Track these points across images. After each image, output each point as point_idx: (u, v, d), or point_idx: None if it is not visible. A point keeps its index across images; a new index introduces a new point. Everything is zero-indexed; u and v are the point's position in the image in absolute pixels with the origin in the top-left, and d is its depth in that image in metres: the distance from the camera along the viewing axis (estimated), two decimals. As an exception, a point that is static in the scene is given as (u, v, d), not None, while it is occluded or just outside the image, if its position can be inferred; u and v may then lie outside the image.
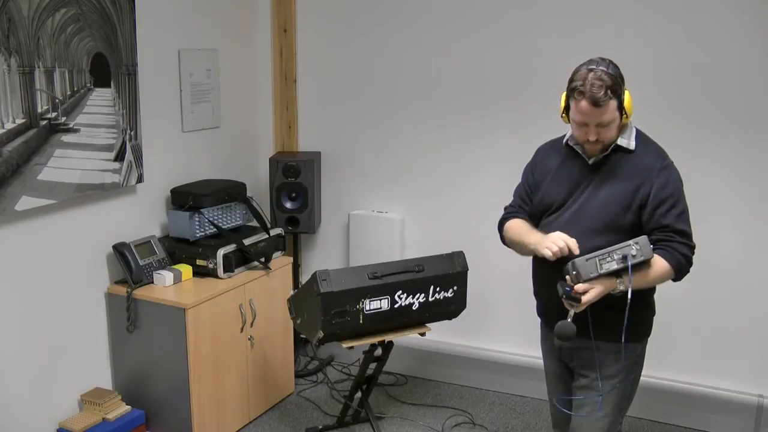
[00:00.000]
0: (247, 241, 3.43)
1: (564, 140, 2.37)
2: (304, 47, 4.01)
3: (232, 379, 3.32)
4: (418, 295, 3.11)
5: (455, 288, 3.20)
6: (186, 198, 3.34)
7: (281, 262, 3.62)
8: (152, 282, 3.20)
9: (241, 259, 3.40)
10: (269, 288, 3.51)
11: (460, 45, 3.65)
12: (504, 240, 2.55)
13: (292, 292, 3.30)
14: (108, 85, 3.07)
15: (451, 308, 3.23)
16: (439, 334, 3.60)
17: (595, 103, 2.10)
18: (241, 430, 3.43)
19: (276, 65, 4.06)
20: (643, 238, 2.13)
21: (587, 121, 2.15)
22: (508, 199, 3.64)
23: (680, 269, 2.20)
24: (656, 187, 2.18)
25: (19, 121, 2.69)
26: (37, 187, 2.78)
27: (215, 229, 3.42)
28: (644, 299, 2.28)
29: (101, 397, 3.07)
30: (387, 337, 3.19)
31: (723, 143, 3.26)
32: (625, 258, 2.10)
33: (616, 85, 2.12)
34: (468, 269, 3.24)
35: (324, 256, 4.14)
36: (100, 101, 3.04)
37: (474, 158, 3.70)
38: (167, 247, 3.37)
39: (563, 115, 2.26)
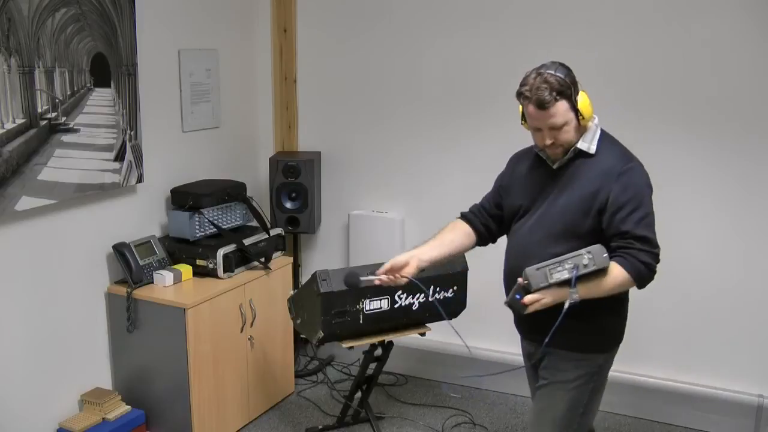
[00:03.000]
0: (247, 241, 3.43)
1: (534, 148, 2.33)
2: (304, 47, 4.02)
3: (232, 379, 3.32)
4: (418, 295, 3.12)
5: (455, 288, 3.20)
6: (186, 198, 3.34)
7: (281, 262, 3.62)
8: (152, 282, 3.20)
9: (241, 259, 3.40)
10: (269, 288, 3.51)
11: (461, 45, 3.65)
12: None
13: (292, 292, 3.30)
14: (108, 85, 3.07)
15: (451, 308, 3.23)
16: (439, 334, 3.60)
17: (540, 105, 2.07)
18: (241, 430, 3.43)
19: (276, 65, 4.06)
20: (597, 247, 2.05)
21: (538, 124, 2.13)
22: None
23: (640, 278, 2.10)
24: (615, 192, 2.10)
25: (19, 121, 2.69)
26: (37, 187, 2.78)
27: (215, 229, 3.42)
28: (609, 307, 2.21)
29: (101, 397, 3.06)
30: (387, 337, 3.20)
31: (722, 141, 3.26)
32: (576, 267, 2.03)
33: (563, 87, 2.07)
34: (468, 269, 3.24)
35: (324, 256, 4.14)
36: (100, 101, 3.04)
37: (474, 158, 3.70)
38: (167, 247, 3.37)
39: (523, 122, 2.23)
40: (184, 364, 3.04)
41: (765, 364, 3.35)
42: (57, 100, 2.85)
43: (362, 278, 2.32)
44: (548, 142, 2.14)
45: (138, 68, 3.20)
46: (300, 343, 3.99)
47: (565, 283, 2.05)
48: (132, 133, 3.20)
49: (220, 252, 3.28)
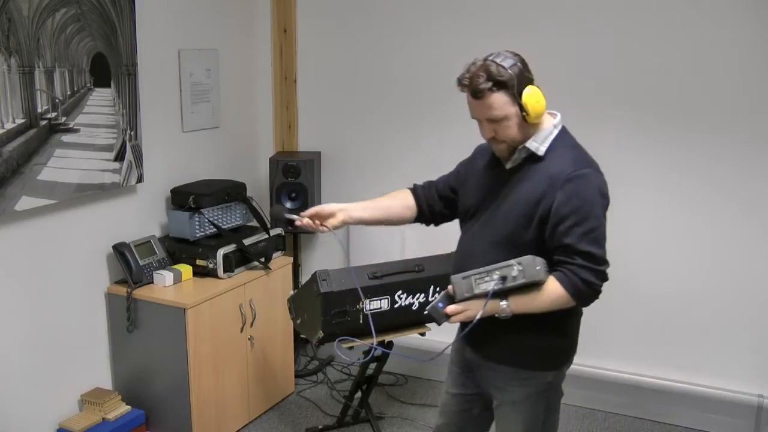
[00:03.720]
0: (247, 241, 3.43)
1: None
2: (304, 47, 4.02)
3: (232, 379, 3.32)
4: (418, 295, 3.11)
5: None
6: (186, 198, 3.34)
7: (281, 262, 3.62)
8: (152, 282, 3.20)
9: (241, 259, 3.40)
10: (269, 288, 3.51)
11: (461, 45, 3.65)
12: None
13: (292, 292, 3.30)
14: (108, 85, 3.07)
15: (451, 308, 3.22)
16: (439, 334, 3.60)
17: (474, 93, 1.92)
18: (241, 430, 3.43)
19: (276, 65, 4.06)
20: (528, 258, 1.89)
21: (475, 115, 1.99)
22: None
23: (579, 295, 1.93)
24: (559, 200, 1.90)
25: (19, 121, 2.69)
26: (37, 187, 2.78)
27: (215, 229, 3.42)
28: (550, 324, 2.03)
29: (101, 397, 3.07)
30: (387, 337, 3.19)
31: (721, 141, 3.27)
32: (504, 279, 1.88)
33: (503, 78, 1.89)
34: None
35: (324, 256, 4.14)
36: (100, 101, 3.04)
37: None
38: (167, 247, 3.37)
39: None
40: (184, 364, 3.04)
41: (765, 364, 3.34)
42: (57, 100, 2.85)
43: (286, 215, 2.21)
44: (488, 135, 2.00)
45: (138, 68, 3.20)
46: (300, 343, 3.99)
47: (496, 294, 1.90)
48: (132, 133, 3.20)
49: (220, 252, 3.28)
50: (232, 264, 3.32)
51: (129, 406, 3.13)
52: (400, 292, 3.07)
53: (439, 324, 1.98)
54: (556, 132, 2.02)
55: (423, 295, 3.12)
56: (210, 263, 3.28)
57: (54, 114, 2.84)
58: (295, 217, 2.16)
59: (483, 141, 2.11)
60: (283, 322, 3.59)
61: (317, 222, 2.15)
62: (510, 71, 1.91)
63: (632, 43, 3.33)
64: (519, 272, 1.88)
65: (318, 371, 4.00)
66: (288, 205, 3.80)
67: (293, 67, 4.04)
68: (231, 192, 3.50)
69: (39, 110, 2.77)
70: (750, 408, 3.35)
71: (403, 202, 2.29)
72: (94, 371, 3.17)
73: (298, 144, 4.12)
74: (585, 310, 3.64)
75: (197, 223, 3.35)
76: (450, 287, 1.96)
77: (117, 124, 3.12)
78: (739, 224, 3.29)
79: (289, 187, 3.79)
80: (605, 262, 1.95)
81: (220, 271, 3.28)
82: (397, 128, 3.87)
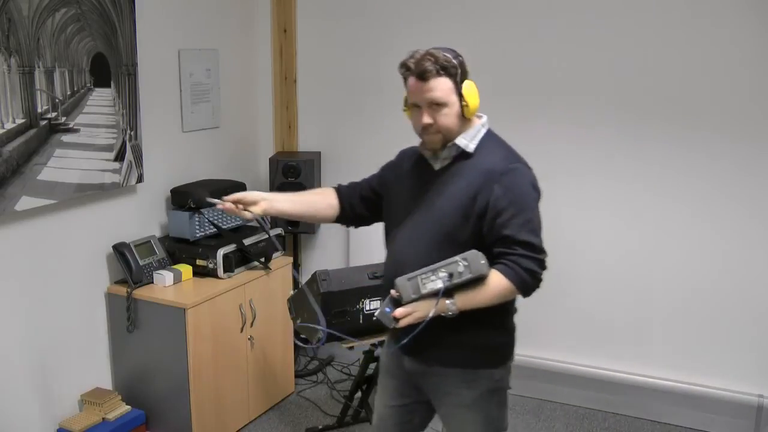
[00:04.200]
0: (247, 241, 3.43)
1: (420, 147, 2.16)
2: (304, 47, 4.02)
3: (232, 379, 3.32)
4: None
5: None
6: (186, 198, 3.33)
7: (281, 262, 3.62)
8: (152, 282, 3.20)
9: (241, 259, 3.40)
10: (269, 288, 3.51)
11: (461, 45, 3.64)
12: None
13: (292, 292, 3.30)
14: (108, 85, 3.07)
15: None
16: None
17: (422, 75, 1.93)
18: (241, 430, 3.43)
19: (276, 65, 4.06)
20: (472, 253, 1.89)
21: (418, 98, 1.98)
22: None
23: (524, 286, 1.95)
24: (496, 194, 1.94)
25: (19, 121, 2.69)
26: (37, 187, 2.78)
27: (215, 229, 3.42)
28: (492, 320, 2.04)
29: (101, 397, 3.07)
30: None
31: (722, 140, 3.27)
32: (451, 276, 1.86)
33: (448, 65, 1.94)
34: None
35: (324, 256, 4.14)
36: (100, 101, 3.04)
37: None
38: (167, 247, 3.37)
39: (405, 108, 2.10)
40: (184, 364, 3.04)
41: (765, 364, 3.34)
42: (57, 100, 2.85)
43: (208, 198, 2.17)
44: (427, 120, 1.97)
45: (138, 68, 3.20)
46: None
47: (442, 294, 1.89)
48: (132, 133, 3.20)
49: (220, 252, 3.28)
50: (232, 264, 3.32)
51: (129, 406, 3.13)
52: (400, 292, 3.06)
53: (390, 328, 1.93)
54: (483, 131, 2.08)
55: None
56: (210, 263, 3.28)
57: (54, 114, 2.84)
58: (216, 201, 2.12)
59: (407, 146, 2.23)
60: (283, 322, 3.59)
61: (240, 206, 2.11)
62: (455, 61, 1.97)
63: (632, 44, 3.33)
64: (465, 268, 1.87)
65: (318, 371, 4.00)
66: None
67: (293, 67, 4.04)
68: (231, 192, 3.45)
69: (39, 110, 2.77)
70: (750, 408, 3.35)
71: (328, 200, 2.26)
72: (94, 371, 3.17)
73: (298, 144, 4.12)
74: (589, 312, 3.67)
75: (197, 223, 3.35)
76: (393, 291, 1.92)
77: (117, 124, 3.12)
78: (740, 224, 3.29)
79: (289, 187, 3.78)
80: (543, 251, 1.98)
81: (220, 271, 3.28)
82: (397, 128, 3.85)
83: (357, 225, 2.33)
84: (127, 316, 3.12)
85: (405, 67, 1.99)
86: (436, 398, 2.15)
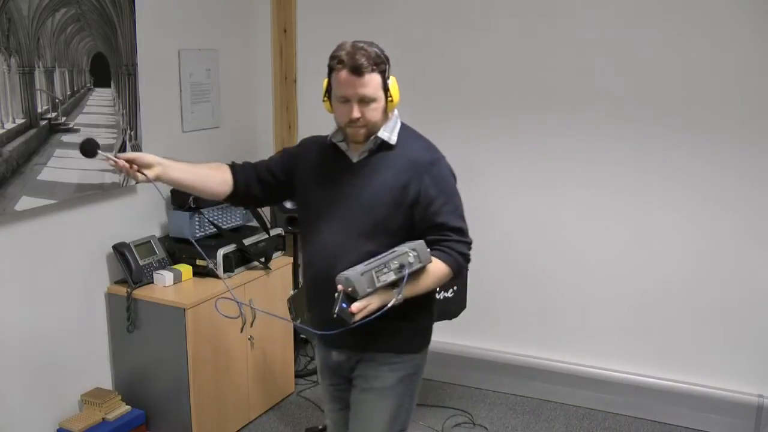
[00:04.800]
0: (247, 241, 3.43)
1: (328, 139, 2.16)
2: (304, 47, 4.02)
3: (232, 379, 3.32)
4: (418, 295, 3.11)
5: (455, 288, 3.20)
6: (186, 198, 3.33)
7: (281, 262, 3.62)
8: (152, 282, 3.20)
9: (241, 259, 3.40)
10: (269, 288, 3.51)
11: (461, 45, 3.65)
12: None
13: (292, 292, 3.30)
14: (108, 85, 3.07)
15: (451, 308, 3.22)
16: (439, 334, 3.59)
17: (356, 69, 1.94)
18: (241, 430, 3.43)
19: (276, 65, 4.06)
20: (420, 243, 1.95)
21: (348, 93, 1.97)
22: (507, 198, 3.67)
23: (459, 269, 2.07)
24: (426, 183, 2.03)
25: (19, 121, 2.69)
26: (37, 187, 2.78)
27: (215, 229, 3.42)
28: (425, 305, 2.14)
29: (101, 397, 3.07)
30: (387, 337, 3.19)
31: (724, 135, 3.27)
32: (402, 267, 1.91)
33: (380, 61, 1.98)
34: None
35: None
36: (100, 101, 3.04)
37: (474, 159, 3.70)
38: (167, 247, 3.37)
39: (325, 99, 2.09)
40: (184, 364, 3.04)
41: (765, 364, 3.35)
42: (57, 100, 2.85)
43: (100, 150, 2.04)
44: (356, 114, 1.98)
45: (138, 68, 3.20)
46: (300, 343, 3.99)
47: (390, 285, 1.93)
48: (132, 133, 3.20)
49: (220, 252, 3.28)
50: (232, 264, 3.32)
51: (129, 406, 3.13)
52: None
53: (350, 324, 1.91)
54: (399, 123, 2.14)
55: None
56: (210, 263, 3.28)
57: (54, 114, 2.84)
58: (108, 155, 2.01)
59: (310, 135, 2.26)
60: (283, 322, 3.59)
61: (134, 167, 2.01)
62: (383, 56, 2.01)
63: (632, 47, 3.33)
64: (414, 258, 1.92)
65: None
66: (288, 205, 3.79)
67: (293, 67, 4.04)
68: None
69: (39, 110, 2.77)
70: (750, 408, 3.35)
71: (222, 176, 2.20)
72: (94, 371, 3.17)
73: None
74: (589, 312, 3.66)
75: (197, 223, 3.35)
76: (340, 287, 1.90)
77: (117, 124, 3.12)
78: (740, 224, 3.29)
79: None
80: (469, 236, 2.11)
81: (220, 271, 3.28)
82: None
83: (246, 206, 2.32)
84: (127, 316, 3.12)
85: (337, 60, 1.98)
86: (359, 385, 2.17)
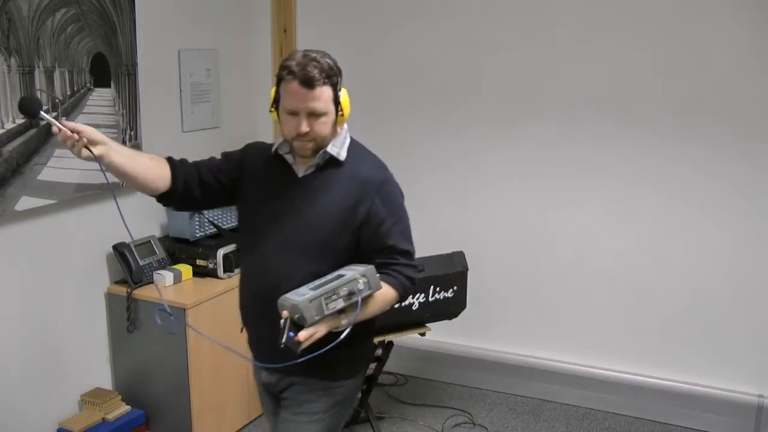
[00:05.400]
0: (247, 241, 3.43)
1: (273, 149, 2.03)
2: (304, 47, 3.99)
3: (232, 379, 3.32)
4: (418, 295, 3.12)
5: (455, 288, 3.20)
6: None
7: (281, 262, 3.61)
8: (152, 282, 3.20)
9: (241, 259, 3.40)
10: (269, 288, 3.51)
11: (461, 44, 3.65)
12: None
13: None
14: (108, 85, 3.07)
15: (451, 308, 3.23)
16: (439, 334, 3.60)
17: (308, 82, 1.83)
18: (241, 430, 3.43)
19: (276, 65, 4.06)
20: (371, 269, 1.86)
21: (298, 107, 1.86)
22: (507, 199, 3.67)
23: (405, 294, 2.01)
24: (377, 204, 1.93)
25: (19, 121, 2.69)
26: (37, 187, 2.78)
27: (215, 229, 3.42)
28: (364, 329, 1.98)
29: (101, 397, 3.07)
30: (387, 337, 3.19)
31: (724, 142, 3.27)
32: (351, 294, 1.81)
33: (332, 73, 1.88)
34: (468, 269, 3.25)
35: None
36: (100, 101, 3.04)
37: (474, 159, 3.70)
38: (167, 247, 3.37)
39: (272, 109, 1.96)
40: (184, 364, 3.04)
41: (765, 364, 3.35)
42: (57, 100, 2.85)
43: (42, 112, 1.86)
44: (304, 129, 1.86)
45: (138, 68, 3.20)
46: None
47: (337, 311, 1.83)
48: (132, 133, 3.20)
49: (220, 252, 3.28)
50: (232, 264, 3.32)
51: (129, 406, 3.13)
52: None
53: (296, 353, 1.80)
54: (348, 138, 2.05)
55: (423, 295, 3.12)
56: (210, 263, 3.28)
57: (54, 114, 2.84)
58: (53, 120, 1.81)
59: (253, 141, 2.14)
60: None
61: (82, 140, 1.84)
62: (335, 68, 1.92)
63: (632, 45, 3.33)
64: (365, 284, 1.84)
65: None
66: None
67: (293, 67, 4.04)
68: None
69: (39, 110, 2.77)
70: (750, 408, 3.35)
71: (161, 170, 1.99)
72: (94, 371, 3.17)
73: (298, 144, 4.12)
74: (589, 312, 3.66)
75: (197, 223, 3.35)
76: (285, 313, 1.80)
77: (117, 124, 3.12)
78: (740, 224, 3.29)
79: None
80: (414, 258, 2.05)
81: (220, 271, 3.28)
82: (397, 128, 3.86)
83: (179, 207, 2.11)
84: (127, 316, 3.12)
85: (287, 71, 1.85)
86: (289, 407, 2.06)
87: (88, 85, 2.99)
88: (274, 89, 1.95)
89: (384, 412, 3.60)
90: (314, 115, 1.88)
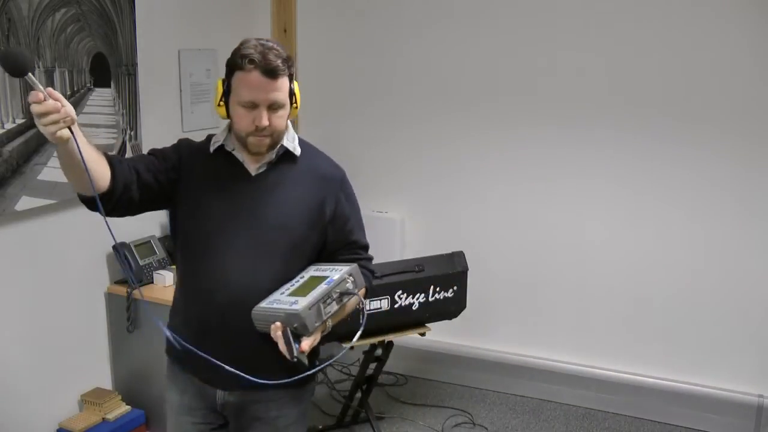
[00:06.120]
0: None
1: (212, 147, 1.86)
2: (304, 47, 4.01)
3: (232, 379, 3.32)
4: (418, 295, 3.12)
5: (455, 288, 3.20)
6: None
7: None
8: (152, 282, 3.20)
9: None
10: (269, 288, 3.51)
11: (461, 45, 3.65)
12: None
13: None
14: (108, 85, 3.07)
15: (451, 308, 3.23)
16: (439, 334, 3.60)
17: (272, 72, 1.70)
18: (241, 430, 3.42)
19: (276, 65, 4.05)
20: (355, 268, 1.81)
21: (258, 99, 1.72)
22: (507, 199, 3.67)
23: (371, 287, 1.97)
24: (343, 201, 1.90)
25: (19, 121, 2.69)
26: (37, 187, 2.78)
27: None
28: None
29: (101, 397, 3.06)
30: (387, 337, 3.19)
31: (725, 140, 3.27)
32: (343, 296, 1.75)
33: (290, 63, 1.76)
34: (468, 269, 3.25)
35: (324, 256, 4.14)
36: (100, 101, 3.04)
37: (474, 159, 3.70)
38: (167, 247, 3.36)
39: (220, 104, 1.80)
40: (184, 364, 3.03)
41: (765, 364, 3.35)
42: (57, 100, 2.84)
43: (30, 75, 1.53)
44: (266, 122, 1.73)
45: (138, 68, 3.20)
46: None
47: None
48: (132, 133, 3.20)
49: (220, 252, 3.27)
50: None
51: (129, 406, 3.13)
52: (400, 292, 3.07)
53: (307, 365, 1.75)
54: (292, 131, 1.91)
55: (423, 295, 3.12)
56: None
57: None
58: (39, 86, 1.51)
59: (184, 136, 2.00)
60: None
61: (71, 119, 1.53)
62: (291, 58, 1.78)
63: (631, 47, 3.33)
64: (352, 284, 1.78)
65: (318, 371, 3.99)
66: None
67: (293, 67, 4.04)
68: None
69: (39, 110, 2.77)
70: (750, 408, 3.35)
71: (105, 170, 1.71)
72: (94, 371, 3.17)
73: (298, 144, 4.12)
74: (589, 312, 3.66)
75: (197, 223, 3.35)
76: (278, 324, 1.69)
77: (117, 124, 3.12)
78: (740, 224, 3.30)
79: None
80: None
81: (220, 271, 3.28)
82: (397, 128, 3.86)
83: (112, 211, 1.78)
84: (127, 316, 3.11)
85: (248, 59, 1.70)
86: (256, 426, 1.93)
87: (88, 85, 2.99)
88: (220, 81, 1.80)
89: (384, 412, 3.60)
90: (273, 107, 1.75)
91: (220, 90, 1.79)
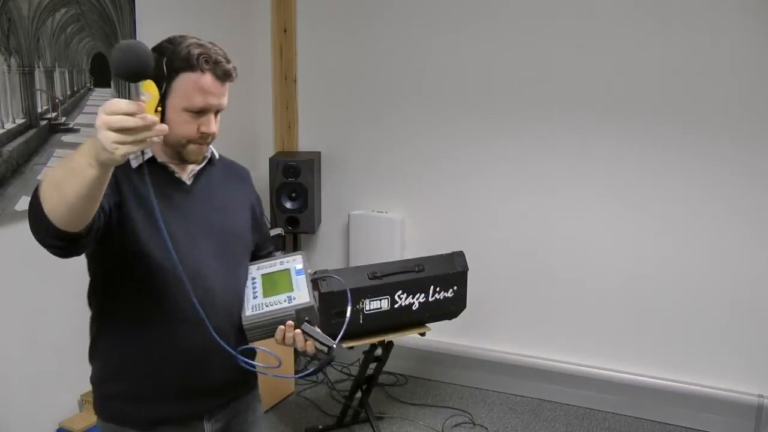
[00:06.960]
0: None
1: (134, 162, 1.59)
2: (304, 47, 4.02)
3: (232, 379, 3.32)
4: (418, 295, 3.12)
5: (455, 288, 3.20)
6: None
7: (281, 262, 3.61)
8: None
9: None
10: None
11: (461, 45, 3.65)
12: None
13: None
14: (108, 85, 3.07)
15: (451, 308, 3.22)
16: (439, 334, 3.60)
17: (226, 75, 1.59)
18: (241, 430, 3.42)
19: (276, 65, 4.06)
20: (304, 254, 1.81)
21: (211, 104, 1.57)
22: (507, 199, 3.67)
23: None
24: (257, 197, 1.88)
25: (19, 121, 2.69)
26: (37, 187, 2.78)
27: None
28: None
29: (101, 397, 3.06)
30: (387, 337, 3.19)
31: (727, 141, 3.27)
32: (315, 281, 1.80)
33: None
34: (468, 269, 3.25)
35: (324, 256, 4.14)
36: (100, 101, 3.03)
37: (474, 158, 3.70)
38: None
39: (158, 109, 1.52)
40: (184, 364, 3.03)
41: (765, 364, 3.35)
42: (57, 100, 2.85)
43: (142, 87, 1.48)
44: (214, 129, 1.60)
45: (138, 68, 3.19)
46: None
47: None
48: (132, 133, 3.19)
49: (220, 252, 3.27)
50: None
51: (129, 406, 3.13)
52: (400, 292, 3.07)
53: (333, 357, 1.69)
54: None
55: (423, 295, 3.12)
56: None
57: (54, 114, 2.84)
58: (143, 101, 1.22)
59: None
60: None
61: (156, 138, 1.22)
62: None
63: (631, 50, 3.33)
64: (312, 270, 1.81)
65: (318, 371, 3.99)
66: (288, 205, 3.80)
67: (293, 67, 4.04)
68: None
69: (39, 110, 2.77)
70: (750, 408, 3.35)
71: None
72: (94, 371, 3.17)
73: (298, 144, 4.13)
74: (589, 312, 3.66)
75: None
76: (291, 323, 1.67)
77: (117, 124, 3.12)
78: (740, 225, 3.30)
79: (289, 187, 3.79)
80: None
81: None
82: (397, 128, 3.87)
83: (76, 250, 1.43)
84: (127, 316, 3.11)
85: (204, 59, 1.54)
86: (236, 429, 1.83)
87: (88, 85, 2.99)
88: (150, 82, 1.48)
89: (384, 412, 3.60)
90: (217, 113, 1.63)
91: (157, 94, 1.51)
